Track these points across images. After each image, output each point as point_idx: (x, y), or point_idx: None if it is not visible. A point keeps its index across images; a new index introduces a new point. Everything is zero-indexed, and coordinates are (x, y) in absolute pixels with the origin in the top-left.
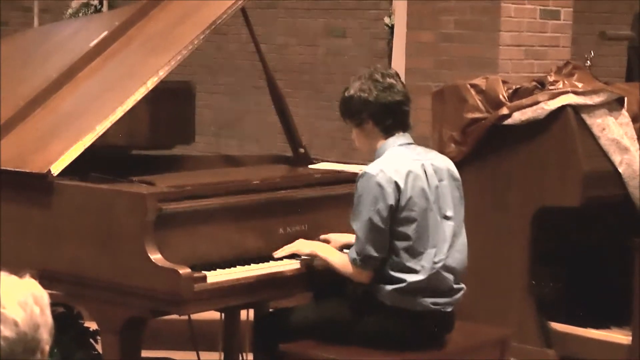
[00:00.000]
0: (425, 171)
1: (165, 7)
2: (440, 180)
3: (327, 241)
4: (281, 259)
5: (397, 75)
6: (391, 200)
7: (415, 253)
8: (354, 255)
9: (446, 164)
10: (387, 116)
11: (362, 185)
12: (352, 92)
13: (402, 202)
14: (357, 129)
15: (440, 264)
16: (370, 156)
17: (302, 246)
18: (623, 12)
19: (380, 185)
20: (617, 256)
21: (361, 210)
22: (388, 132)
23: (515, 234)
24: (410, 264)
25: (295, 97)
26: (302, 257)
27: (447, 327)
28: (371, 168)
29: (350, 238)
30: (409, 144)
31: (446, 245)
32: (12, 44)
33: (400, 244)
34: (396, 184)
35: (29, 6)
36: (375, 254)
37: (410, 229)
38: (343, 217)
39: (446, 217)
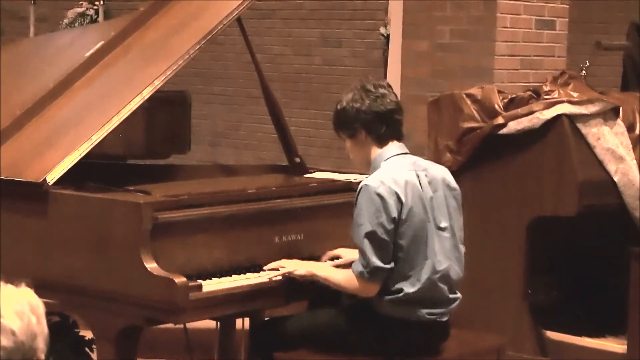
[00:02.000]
0: (420, 182)
1: (162, 17)
2: (434, 191)
3: (337, 256)
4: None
5: (389, 85)
6: (394, 213)
7: (412, 264)
8: (361, 269)
9: (442, 173)
10: (380, 125)
11: (363, 198)
12: (344, 103)
13: (404, 214)
14: (351, 140)
15: (437, 275)
16: (364, 168)
17: (297, 266)
18: (618, 21)
19: (382, 198)
20: (613, 265)
21: (363, 223)
22: (382, 142)
23: (511, 243)
24: (407, 275)
25: (291, 107)
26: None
27: (443, 336)
28: (371, 180)
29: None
30: (404, 153)
31: (443, 256)
32: (8, 54)
33: (398, 255)
34: (397, 196)
35: (25, 16)
36: (382, 265)
37: (408, 240)
38: (339, 226)
39: (441, 229)
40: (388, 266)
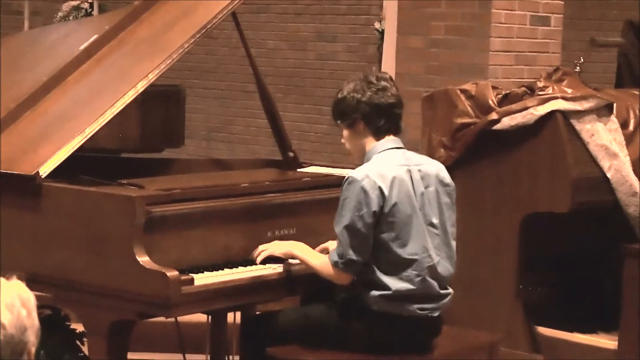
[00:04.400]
0: (411, 177)
1: (156, 11)
2: (426, 186)
3: (325, 249)
4: (263, 262)
5: (391, 79)
6: (375, 207)
7: (399, 260)
8: (336, 258)
9: (436, 169)
10: (379, 117)
11: (347, 190)
12: (345, 93)
13: (386, 208)
14: (349, 130)
15: (426, 271)
16: (359, 160)
17: (277, 247)
18: (613, 18)
19: (364, 191)
20: (606, 261)
21: (345, 215)
22: (379, 135)
23: (504, 239)
24: (395, 271)
25: (285, 102)
26: (280, 258)
27: (434, 332)
28: (357, 173)
29: None
30: (398, 147)
31: (432, 252)
32: (3, 47)
33: (385, 251)
34: (380, 190)
35: (19, 9)
36: (356, 258)
37: (393, 236)
38: (332, 221)
39: (432, 225)
40: (361, 259)
